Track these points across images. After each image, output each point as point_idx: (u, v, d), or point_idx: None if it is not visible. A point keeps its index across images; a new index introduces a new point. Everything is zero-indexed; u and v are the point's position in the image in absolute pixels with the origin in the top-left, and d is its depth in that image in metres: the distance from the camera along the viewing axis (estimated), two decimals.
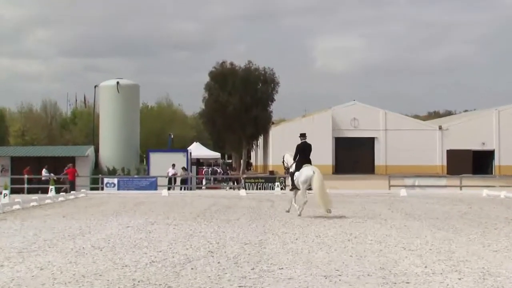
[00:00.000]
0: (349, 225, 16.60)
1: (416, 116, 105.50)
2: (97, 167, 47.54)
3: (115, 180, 39.25)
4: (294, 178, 19.89)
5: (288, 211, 19.65)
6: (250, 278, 9.30)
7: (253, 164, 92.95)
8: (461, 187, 38.17)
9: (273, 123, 75.52)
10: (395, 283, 8.94)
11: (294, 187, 20.22)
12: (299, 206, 19.56)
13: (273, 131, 72.25)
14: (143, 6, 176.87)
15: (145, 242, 13.37)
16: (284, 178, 35.89)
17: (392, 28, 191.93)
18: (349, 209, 22.32)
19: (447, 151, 71.92)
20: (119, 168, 46.55)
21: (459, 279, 9.23)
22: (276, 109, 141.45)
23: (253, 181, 39.67)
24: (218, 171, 52.79)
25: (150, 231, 15.37)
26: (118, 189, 38.12)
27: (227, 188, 43.74)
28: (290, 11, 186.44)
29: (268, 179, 39.93)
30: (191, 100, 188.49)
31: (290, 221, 17.91)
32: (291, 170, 20.31)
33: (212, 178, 48.48)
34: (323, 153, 68.54)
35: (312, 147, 20.28)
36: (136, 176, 42.37)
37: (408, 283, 8.97)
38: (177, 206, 24.67)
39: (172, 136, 59.74)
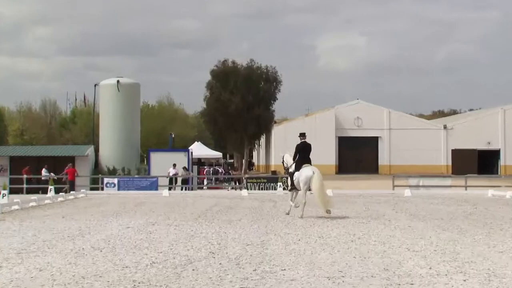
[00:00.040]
0: (353, 226, 16.59)
1: (421, 115, 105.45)
2: (97, 167, 47.59)
3: (115, 180, 39.29)
4: (294, 179, 19.89)
5: (288, 213, 19.64)
6: (252, 280, 9.30)
7: (255, 164, 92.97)
8: (466, 187, 38.15)
9: (275, 122, 75.47)
10: (399, 285, 8.94)
11: (294, 188, 20.23)
12: (295, 204, 19.75)
13: (276, 131, 72.24)
14: (144, 3, 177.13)
15: (145, 243, 13.38)
16: (287, 178, 35.89)
17: (396, 26, 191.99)
18: (352, 210, 22.31)
19: (452, 150, 71.86)
20: (119, 168, 46.60)
21: (464, 280, 9.23)
22: (278, 108, 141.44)
23: (255, 181, 39.68)
24: (220, 171, 52.82)
25: (151, 232, 15.38)
26: (118, 189, 38.16)
27: (229, 188, 43.76)
28: (293, 9, 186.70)
29: (271, 179, 39.92)
30: (193, 99, 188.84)
31: (292, 221, 17.92)
32: (291, 170, 20.33)
33: (213, 178, 48.49)
34: (326, 153, 68.56)
35: (312, 147, 20.23)
36: (136, 176, 42.40)
37: (412, 284, 8.96)
38: (178, 206, 24.68)
39: (173, 136, 59.72)
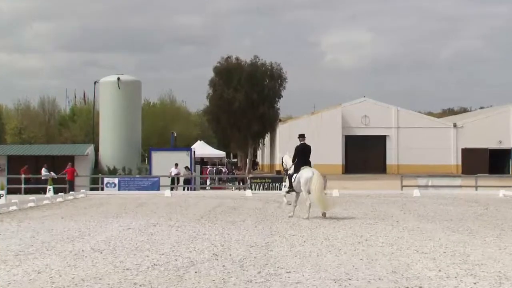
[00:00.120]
0: (360, 227, 16.59)
1: (430, 113, 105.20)
2: (97, 167, 47.67)
3: (116, 180, 39.37)
4: (293, 180, 20.00)
5: (291, 216, 19.66)
6: (256, 282, 9.31)
7: (260, 163, 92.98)
8: (476, 187, 38.10)
9: (280, 120, 75.43)
10: None
11: (292, 190, 20.40)
12: (287, 201, 20.45)
13: (280, 129, 72.19)
14: None
15: (147, 244, 13.39)
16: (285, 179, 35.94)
17: (403, 22, 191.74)
18: (359, 210, 22.30)
19: (462, 149, 71.76)
20: (120, 167, 46.69)
21: (475, 283, 9.22)
22: (283, 106, 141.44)
23: (260, 181, 39.70)
24: (223, 170, 52.93)
25: (152, 233, 15.40)
26: (119, 189, 38.24)
27: (233, 188, 43.79)
28: (297, 4, 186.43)
29: (275, 179, 39.91)
30: (195, 97, 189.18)
31: (298, 223, 17.92)
32: (290, 172, 20.42)
33: (216, 178, 48.59)
34: (333, 152, 68.55)
35: (311, 148, 20.32)
36: (137, 176, 42.46)
37: (421, 287, 8.96)
38: (180, 207, 24.70)
39: (175, 134, 59.81)
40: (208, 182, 46.75)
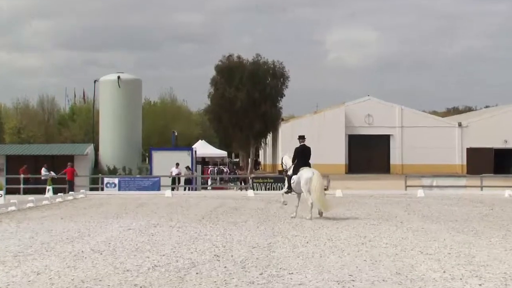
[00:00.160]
0: (363, 228, 16.59)
1: (434, 113, 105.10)
2: (97, 167, 47.68)
3: (116, 180, 39.40)
4: (292, 181, 20.12)
5: (294, 217, 19.66)
6: (258, 284, 9.31)
7: (262, 163, 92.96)
8: (482, 187, 38.09)
9: (282, 119, 75.31)
10: None
11: (290, 191, 20.61)
12: (286, 203, 20.76)
13: (283, 128, 72.14)
14: None
15: (147, 245, 13.40)
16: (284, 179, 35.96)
17: (407, 20, 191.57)
18: (363, 211, 22.30)
19: (467, 149, 71.67)
20: (120, 167, 46.70)
21: (480, 284, 9.21)
22: (286, 105, 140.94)
23: (262, 181, 39.73)
24: (225, 170, 52.99)
25: (153, 234, 15.40)
26: (119, 189, 38.28)
27: (234, 188, 43.80)
28: (296, 2, 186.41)
29: (277, 179, 39.88)
30: (196, 96, 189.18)
31: (300, 223, 17.92)
32: (289, 173, 20.52)
33: (218, 178, 48.59)
34: (336, 152, 68.52)
35: (311, 150, 20.41)
36: (138, 176, 42.47)
37: None
38: (181, 207, 24.72)
39: (176, 134, 59.79)
40: (209, 182, 46.76)
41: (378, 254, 12.01)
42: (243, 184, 44.27)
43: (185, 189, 40.76)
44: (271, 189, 38.04)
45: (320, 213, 19.43)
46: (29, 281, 9.67)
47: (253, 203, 26.80)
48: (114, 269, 10.57)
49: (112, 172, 45.64)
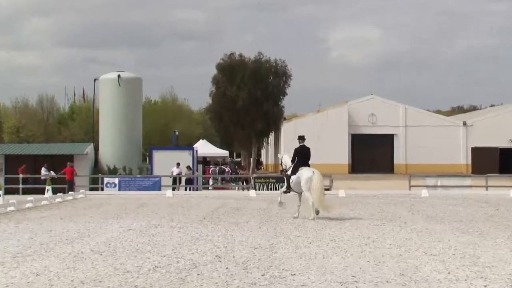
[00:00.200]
0: (367, 228, 16.59)
1: (439, 112, 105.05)
2: (96, 166, 47.69)
3: (116, 180, 39.42)
4: (291, 181, 20.25)
5: (296, 217, 19.66)
6: (260, 285, 9.31)
7: (264, 162, 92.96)
8: (487, 187, 38.09)
9: (285, 118, 75.32)
10: None
11: (289, 191, 20.75)
12: (282, 204, 20.92)
13: (285, 128, 72.12)
14: None
15: (148, 246, 13.40)
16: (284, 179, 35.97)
17: (411, 17, 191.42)
18: (366, 211, 22.30)
19: (472, 148, 71.61)
20: (120, 167, 46.71)
21: (485, 286, 9.21)
22: (288, 104, 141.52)
23: (264, 181, 39.69)
24: (226, 170, 52.94)
25: (153, 235, 15.41)
26: (119, 189, 38.29)
27: (236, 188, 43.80)
28: (298, 0, 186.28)
29: (280, 179, 39.75)
30: (198, 95, 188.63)
31: (303, 224, 17.92)
32: (288, 173, 20.61)
33: (219, 178, 48.57)
34: (339, 151, 68.52)
35: (310, 150, 20.50)
36: (138, 175, 42.49)
37: None
38: (182, 208, 24.72)
39: (177, 133, 59.80)
40: (210, 182, 46.75)
41: (381, 255, 12.00)
42: (245, 184, 44.25)
43: (186, 189, 40.76)
44: (273, 189, 37.98)
45: (317, 212, 19.46)
46: (28, 282, 9.67)
47: (255, 204, 26.80)
48: (114, 270, 10.57)
49: (112, 172, 45.65)
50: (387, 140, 72.46)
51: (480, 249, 12.76)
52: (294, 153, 20.56)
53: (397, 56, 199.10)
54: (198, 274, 10.10)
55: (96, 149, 49.79)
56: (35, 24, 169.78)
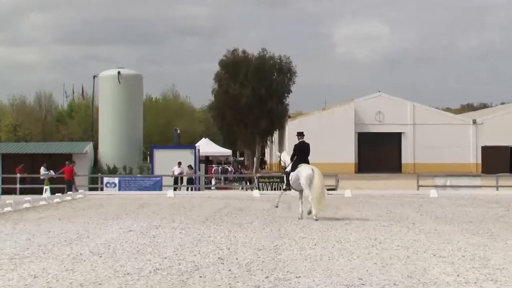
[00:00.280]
0: (373, 229, 16.58)
1: (448, 109, 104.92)
2: (96, 165, 47.71)
3: (116, 180, 39.47)
4: (290, 178, 20.37)
5: (301, 218, 19.67)
6: (264, 287, 9.32)
7: (268, 162, 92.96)
8: (497, 187, 38.07)
9: (289, 116, 75.27)
10: None
11: (289, 188, 20.99)
12: (277, 204, 21.59)
13: (290, 126, 72.00)
14: None
15: (148, 247, 13.42)
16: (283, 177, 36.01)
17: (420, 12, 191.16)
18: (373, 212, 22.30)
19: (482, 147, 71.50)
20: (120, 166, 46.71)
21: None
22: (293, 101, 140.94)
23: (268, 180, 39.68)
24: (229, 169, 53.00)
25: (155, 236, 15.42)
26: (119, 189, 38.34)
27: (239, 188, 43.82)
28: None
29: (284, 179, 39.83)
30: (200, 92, 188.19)
31: (308, 225, 17.93)
32: (287, 170, 20.70)
33: (222, 178, 48.60)
34: (345, 150, 68.41)
35: (310, 147, 20.62)
36: (138, 175, 42.53)
37: None
38: (184, 208, 24.74)
39: (178, 131, 59.81)
40: (213, 182, 46.78)
41: (389, 257, 12.00)
42: (248, 184, 44.27)
43: (187, 189, 40.79)
44: (277, 189, 37.87)
45: (309, 212, 19.53)
46: (25, 284, 9.69)
47: (258, 204, 26.82)
48: (114, 272, 10.59)
49: (112, 171, 45.66)
50: (394, 139, 72.36)
51: (490, 250, 12.75)
52: (293, 149, 20.71)
53: (405, 52, 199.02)
54: (200, 277, 10.11)
55: (96, 148, 49.81)
56: (34, 19, 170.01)
